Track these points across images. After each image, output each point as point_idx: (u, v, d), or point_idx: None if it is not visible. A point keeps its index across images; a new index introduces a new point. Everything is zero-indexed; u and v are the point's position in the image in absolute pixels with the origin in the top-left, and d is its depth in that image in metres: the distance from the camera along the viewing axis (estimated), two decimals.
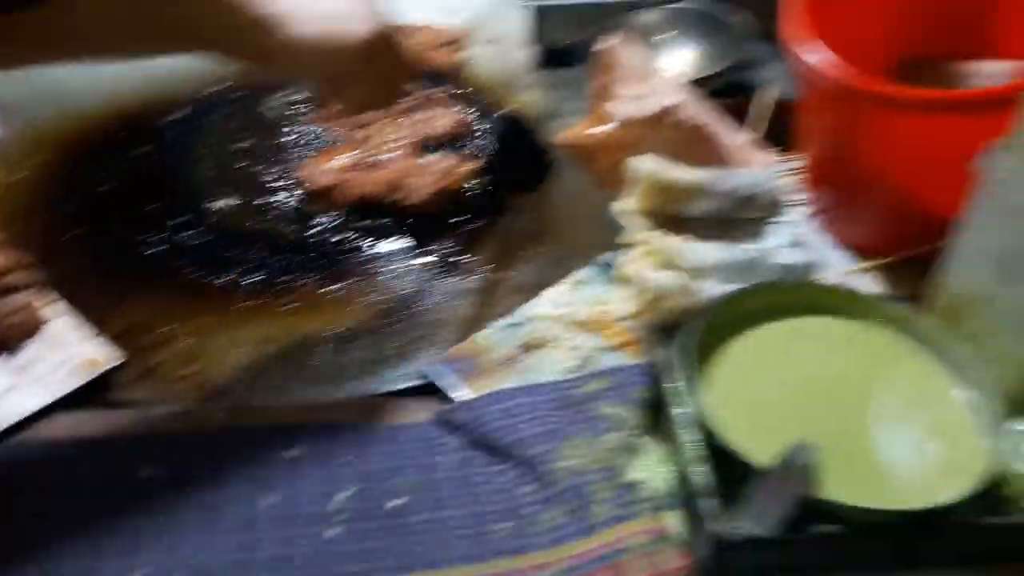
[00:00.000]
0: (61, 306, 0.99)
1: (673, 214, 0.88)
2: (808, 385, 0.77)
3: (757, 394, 0.74)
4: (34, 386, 0.90)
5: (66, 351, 0.93)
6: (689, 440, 0.70)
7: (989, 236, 0.75)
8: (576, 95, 1.39)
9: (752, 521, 0.59)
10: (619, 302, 0.78)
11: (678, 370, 0.73)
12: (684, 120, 0.92)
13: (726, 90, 1.26)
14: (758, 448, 0.68)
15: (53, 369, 0.92)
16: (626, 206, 0.87)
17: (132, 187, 1.25)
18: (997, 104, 0.76)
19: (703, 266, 0.82)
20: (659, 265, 0.80)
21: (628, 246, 0.86)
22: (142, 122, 1.36)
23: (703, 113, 0.97)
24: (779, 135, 1.11)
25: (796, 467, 0.64)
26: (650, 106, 0.91)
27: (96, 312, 1.02)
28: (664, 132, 0.92)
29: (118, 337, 0.99)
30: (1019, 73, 0.97)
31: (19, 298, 0.97)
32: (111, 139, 1.34)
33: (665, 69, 1.03)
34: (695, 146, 0.94)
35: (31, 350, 0.94)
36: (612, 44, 0.95)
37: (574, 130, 0.95)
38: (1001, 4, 1.02)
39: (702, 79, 1.24)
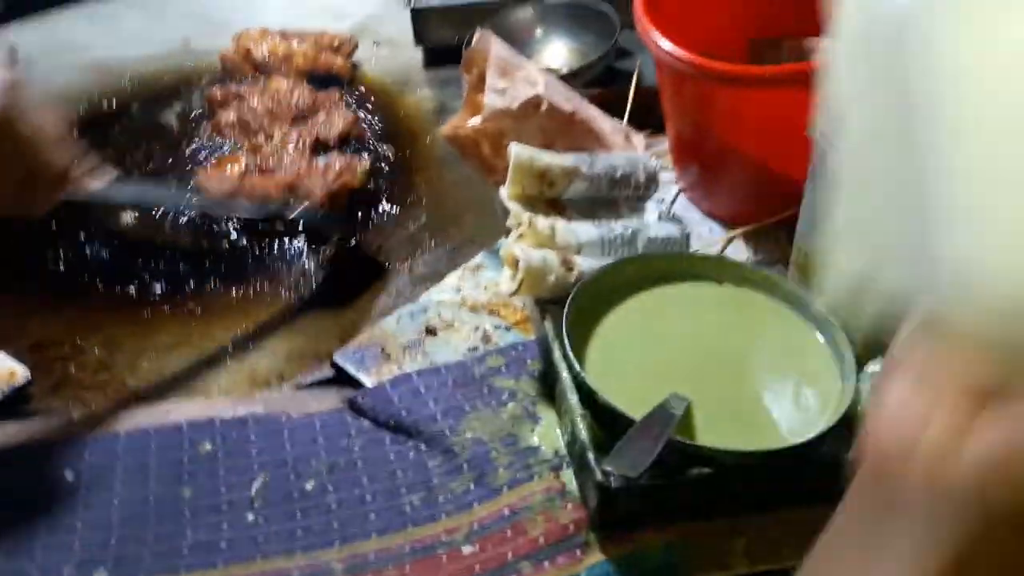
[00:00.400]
0: None
1: (551, 197, 0.95)
2: (683, 345, 0.84)
3: (636, 356, 0.82)
4: None
5: None
6: (574, 401, 0.77)
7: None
8: (462, 92, 1.46)
9: (626, 466, 0.66)
10: (505, 282, 0.84)
11: (561, 339, 0.81)
12: (554, 108, 0.99)
13: (601, 79, 1.35)
14: (637, 404, 0.75)
15: None
16: (505, 190, 0.94)
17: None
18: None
19: (579, 243, 0.89)
20: (537, 245, 0.87)
21: (509, 230, 0.93)
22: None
23: (572, 101, 1.04)
24: (649, 119, 1.20)
25: (666, 415, 0.72)
26: (518, 96, 0.98)
27: (3, 328, 1.04)
28: (535, 120, 0.99)
29: (28, 351, 1.02)
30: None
31: None
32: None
33: (533, 62, 1.09)
34: (568, 132, 1.01)
35: None
36: (480, 41, 1.02)
37: (452, 123, 1.01)
38: None
39: (577, 71, 1.32)
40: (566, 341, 0.79)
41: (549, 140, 1.00)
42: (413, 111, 1.44)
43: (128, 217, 1.22)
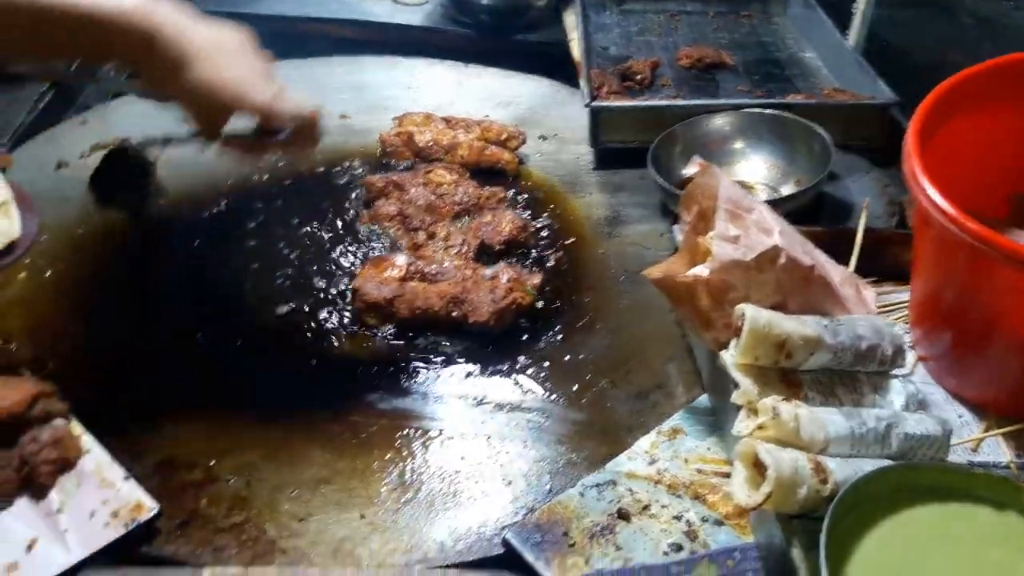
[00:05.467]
0: (90, 438, 0.89)
1: (786, 368, 0.79)
2: None
3: None
4: (65, 537, 0.80)
5: (101, 493, 0.84)
6: None
7: None
8: (637, 199, 1.33)
9: None
10: (739, 488, 0.69)
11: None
12: (792, 261, 0.84)
13: (806, 208, 1.18)
14: None
15: (87, 516, 0.82)
16: (733, 358, 0.79)
17: (167, 288, 1.17)
18: None
19: (827, 438, 0.73)
20: (778, 440, 0.71)
21: (734, 405, 0.77)
22: (177, 218, 1.28)
23: (809, 251, 0.89)
24: (873, 265, 1.03)
25: None
26: (754, 247, 0.83)
27: (130, 442, 0.93)
28: (771, 275, 0.83)
29: (156, 470, 0.90)
30: None
31: (52, 429, 0.87)
32: (145, 237, 1.26)
33: (759, 198, 0.95)
34: (804, 289, 0.86)
35: (63, 489, 0.84)
36: (704, 173, 0.87)
37: (668, 265, 0.87)
38: None
39: (783, 198, 1.17)
40: None
41: (783, 298, 0.84)
42: (583, 217, 1.30)
43: (282, 311, 1.11)
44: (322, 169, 1.38)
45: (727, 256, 0.82)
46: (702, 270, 0.82)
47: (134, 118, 1.38)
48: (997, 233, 0.73)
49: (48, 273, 1.17)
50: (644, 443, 0.87)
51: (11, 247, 1.17)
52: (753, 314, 0.77)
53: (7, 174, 1.27)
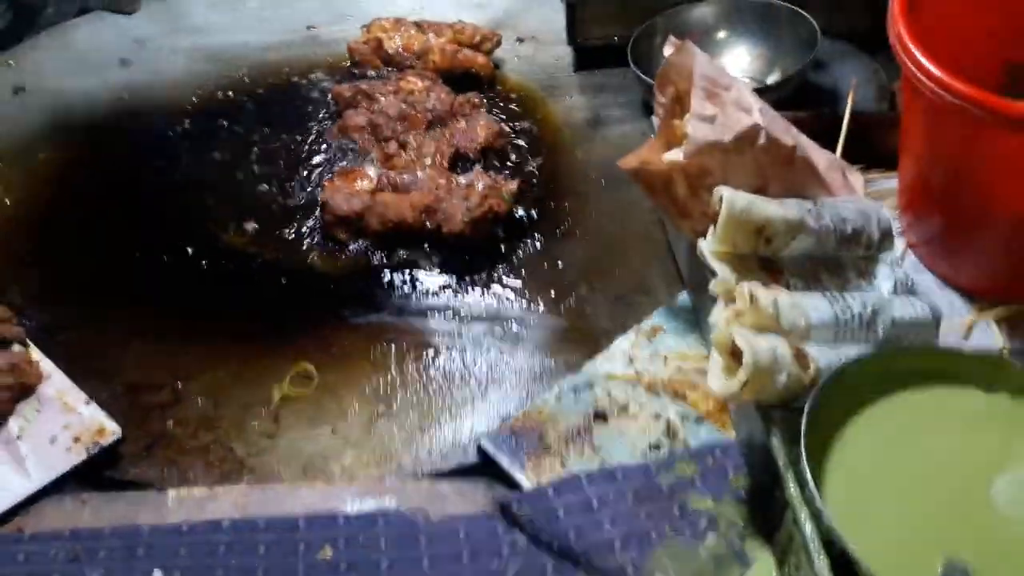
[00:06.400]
0: (49, 363, 0.86)
1: (766, 256, 0.75)
2: (952, 480, 0.63)
3: (892, 494, 0.61)
4: (25, 463, 0.77)
5: (62, 418, 0.81)
6: (820, 563, 0.57)
7: None
8: (618, 100, 1.27)
9: None
10: (716, 376, 0.65)
11: (792, 468, 0.61)
12: (773, 141, 0.79)
13: (793, 96, 1.12)
14: (903, 569, 0.55)
15: (48, 442, 0.79)
16: (710, 246, 0.74)
17: (132, 209, 1.12)
18: None
19: (808, 324, 0.69)
20: (757, 326, 0.67)
21: (714, 297, 0.73)
22: (140, 137, 1.23)
23: (791, 131, 0.83)
24: (862, 152, 0.98)
25: None
26: (732, 127, 0.77)
27: (96, 365, 0.90)
28: (750, 156, 0.78)
29: (124, 394, 0.87)
30: None
31: (8, 354, 0.84)
32: (112, 152, 1.21)
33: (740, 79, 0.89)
34: (786, 172, 0.81)
35: (21, 415, 0.82)
36: (679, 53, 0.81)
37: (643, 153, 0.81)
38: None
39: (772, 85, 1.10)
40: (807, 475, 0.59)
41: (763, 181, 0.79)
42: (562, 121, 1.24)
43: (249, 227, 1.07)
44: (290, 81, 1.32)
45: (704, 137, 0.77)
46: (677, 154, 0.77)
47: (98, 36, 1.33)
48: (990, 94, 0.68)
49: (6, 201, 1.12)
50: (623, 343, 0.84)
51: None
52: (731, 197, 0.72)
53: None
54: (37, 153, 1.20)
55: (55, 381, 0.84)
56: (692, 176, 0.78)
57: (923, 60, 0.72)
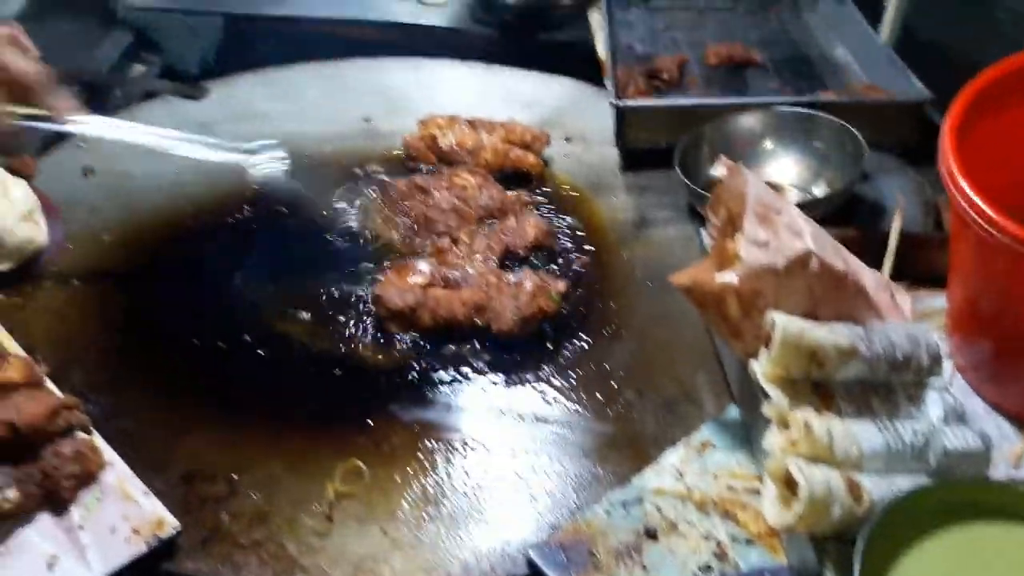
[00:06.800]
0: (111, 450, 0.89)
1: (818, 378, 0.77)
2: None
3: None
4: (86, 553, 0.79)
5: (122, 507, 0.83)
6: None
7: None
8: (664, 201, 1.30)
9: None
10: (771, 506, 0.66)
11: None
12: (825, 266, 0.81)
13: (839, 211, 1.15)
14: None
15: (108, 532, 0.81)
16: (763, 368, 0.76)
17: (190, 302, 1.16)
18: None
19: (861, 454, 0.70)
20: (811, 456, 0.69)
21: (765, 417, 0.74)
22: (202, 225, 1.27)
23: (842, 255, 0.86)
24: (905, 269, 1.00)
25: None
26: (785, 252, 0.80)
27: (153, 454, 0.92)
28: (801, 281, 0.81)
29: (179, 482, 0.89)
30: None
31: (74, 442, 0.87)
32: (170, 246, 1.25)
33: (791, 201, 0.92)
34: (837, 296, 0.83)
35: (83, 504, 0.84)
36: (732, 175, 0.84)
37: (695, 271, 0.84)
38: None
39: (816, 200, 1.13)
40: None
41: (814, 304, 0.81)
42: (609, 221, 1.27)
43: (303, 316, 1.10)
44: (346, 173, 1.37)
45: (756, 262, 0.79)
46: (731, 276, 0.79)
47: (165, 120, 1.38)
48: None
49: (74, 282, 1.17)
50: (672, 457, 0.85)
51: (37, 256, 1.17)
52: (784, 323, 0.74)
53: (33, 181, 1.27)
54: (103, 236, 1.24)
55: (116, 469, 0.87)
56: (745, 298, 0.80)
57: (974, 197, 0.74)
